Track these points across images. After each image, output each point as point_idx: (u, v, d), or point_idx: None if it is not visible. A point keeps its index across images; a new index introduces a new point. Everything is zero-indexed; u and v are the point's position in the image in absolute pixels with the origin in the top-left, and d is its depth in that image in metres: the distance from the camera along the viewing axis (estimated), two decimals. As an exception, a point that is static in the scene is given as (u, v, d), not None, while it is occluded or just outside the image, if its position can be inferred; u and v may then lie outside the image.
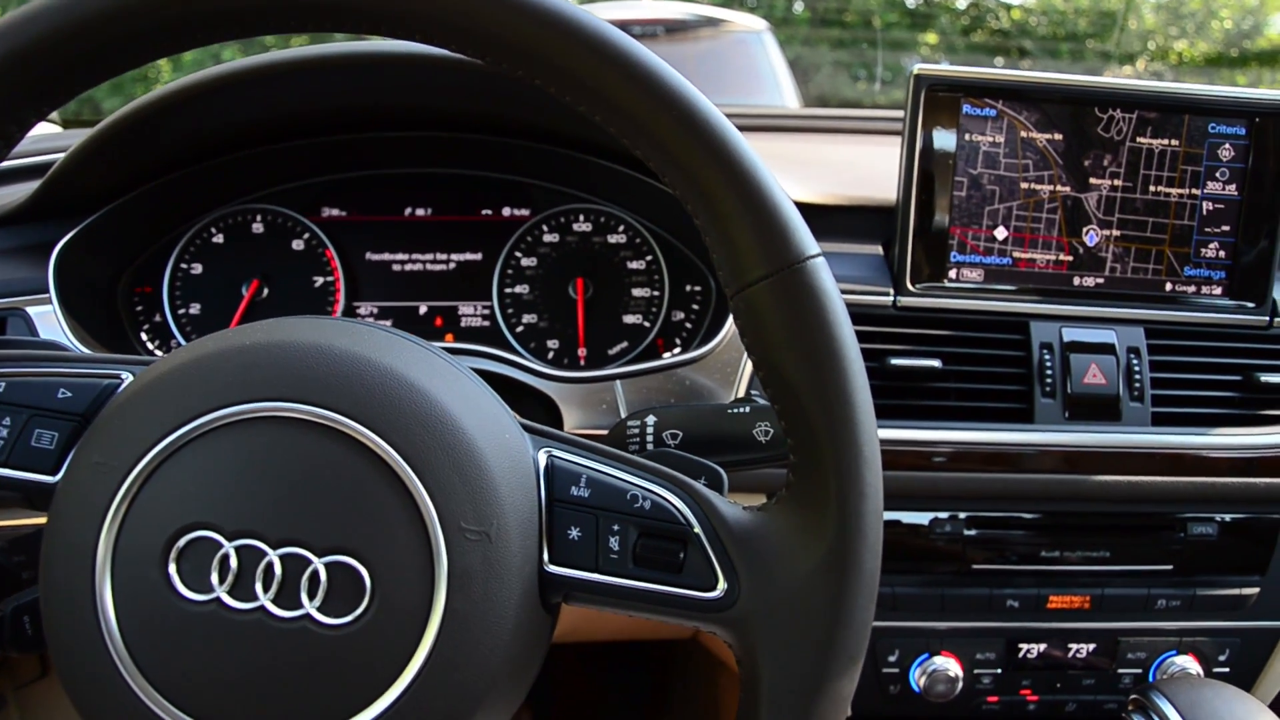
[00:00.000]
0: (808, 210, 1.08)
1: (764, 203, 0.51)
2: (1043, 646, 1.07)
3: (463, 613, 0.50)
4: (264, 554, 0.49)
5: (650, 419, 0.75)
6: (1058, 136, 1.02)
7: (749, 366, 0.98)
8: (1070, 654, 1.07)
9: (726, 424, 0.74)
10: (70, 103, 0.52)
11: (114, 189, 1.03)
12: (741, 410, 0.74)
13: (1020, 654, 1.06)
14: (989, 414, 1.02)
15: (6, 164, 1.18)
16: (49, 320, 0.97)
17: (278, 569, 0.49)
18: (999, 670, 1.07)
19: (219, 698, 0.49)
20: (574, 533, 0.53)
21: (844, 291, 1.06)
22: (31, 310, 0.98)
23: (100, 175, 1.01)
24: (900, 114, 1.03)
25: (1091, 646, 1.07)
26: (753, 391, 0.94)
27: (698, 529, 0.53)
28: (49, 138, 1.38)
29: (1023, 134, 1.02)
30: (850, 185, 1.13)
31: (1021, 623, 1.06)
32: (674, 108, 0.50)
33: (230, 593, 0.49)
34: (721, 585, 0.52)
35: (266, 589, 0.49)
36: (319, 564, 0.50)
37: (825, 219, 1.08)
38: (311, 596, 0.49)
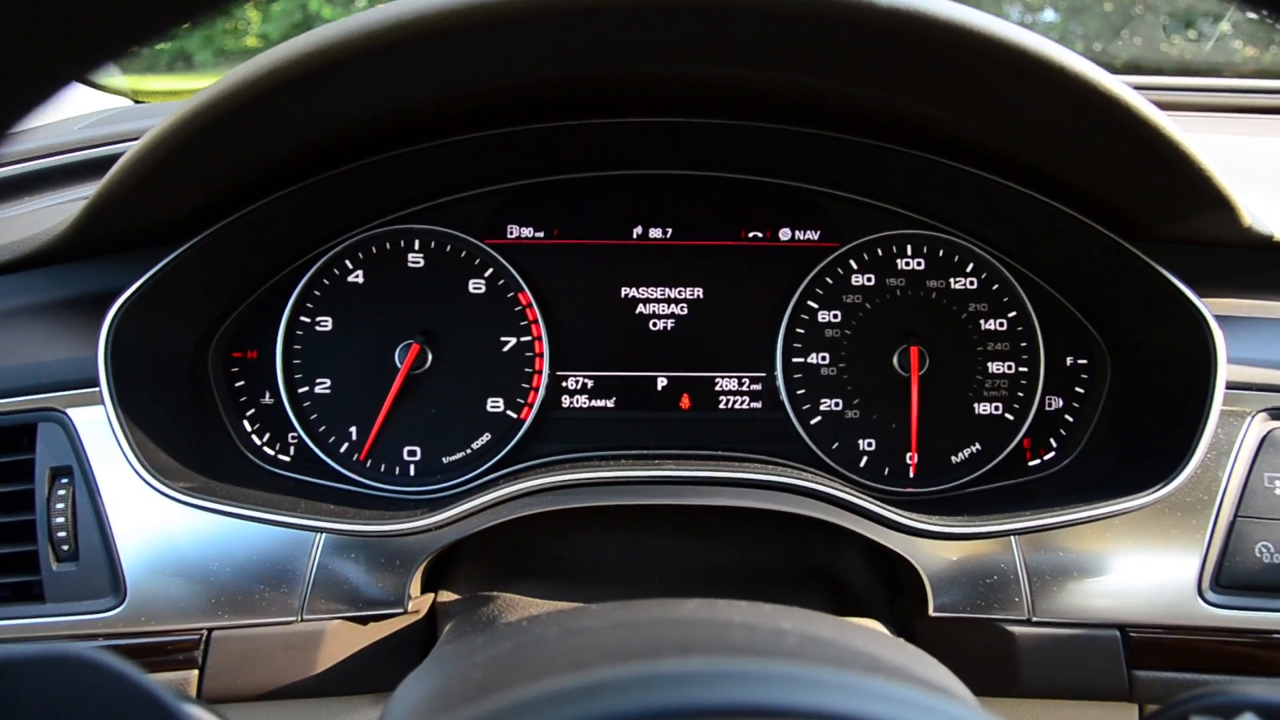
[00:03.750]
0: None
1: None
2: None
3: None
4: None
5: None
6: None
7: (1225, 513, 0.59)
8: None
9: None
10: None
11: (197, 213, 0.65)
12: None
13: None
14: None
15: (51, 161, 0.82)
16: (96, 429, 0.61)
17: None
18: None
19: None
20: None
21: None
22: (74, 412, 0.62)
23: (176, 193, 0.63)
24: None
25: None
26: None
27: None
28: (113, 116, 0.99)
29: None
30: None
31: None
32: None
33: None
34: None
35: None
36: None
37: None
38: None
